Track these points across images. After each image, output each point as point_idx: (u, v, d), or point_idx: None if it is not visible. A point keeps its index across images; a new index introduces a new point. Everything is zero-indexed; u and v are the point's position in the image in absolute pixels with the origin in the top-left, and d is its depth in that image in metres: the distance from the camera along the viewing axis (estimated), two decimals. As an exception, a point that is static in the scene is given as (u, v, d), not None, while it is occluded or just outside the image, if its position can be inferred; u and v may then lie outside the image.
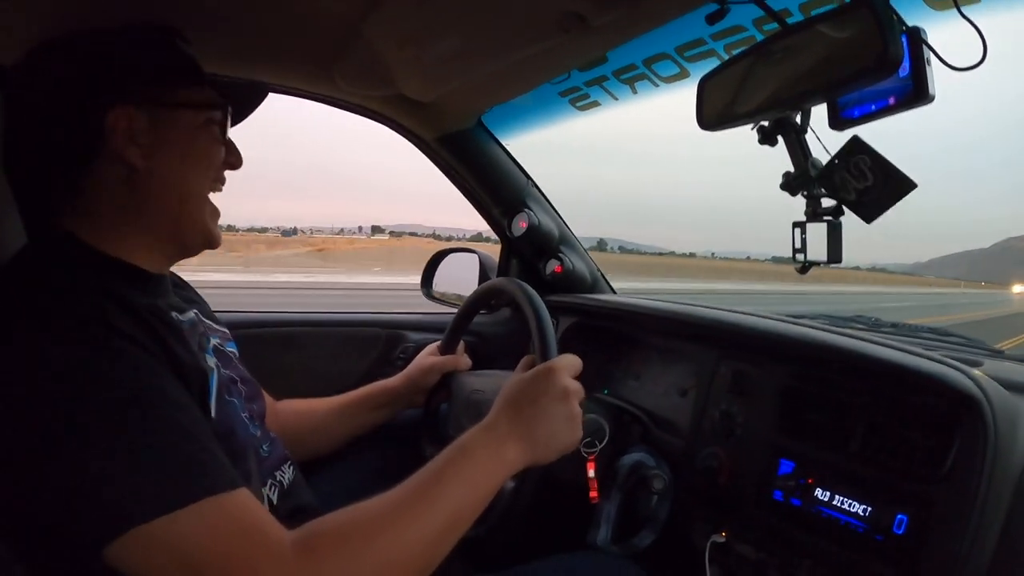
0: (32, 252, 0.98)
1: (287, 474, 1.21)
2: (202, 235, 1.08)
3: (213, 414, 0.99)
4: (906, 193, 1.01)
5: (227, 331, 1.27)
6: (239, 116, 1.22)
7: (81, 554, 0.78)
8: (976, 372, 1.13)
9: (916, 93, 0.92)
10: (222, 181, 1.12)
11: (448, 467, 0.99)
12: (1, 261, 1.01)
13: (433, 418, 1.64)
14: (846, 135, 1.05)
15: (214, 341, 1.16)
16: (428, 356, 1.69)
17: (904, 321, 1.82)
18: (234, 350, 1.25)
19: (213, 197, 1.11)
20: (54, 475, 0.77)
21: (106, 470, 0.76)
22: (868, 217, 1.06)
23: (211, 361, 1.07)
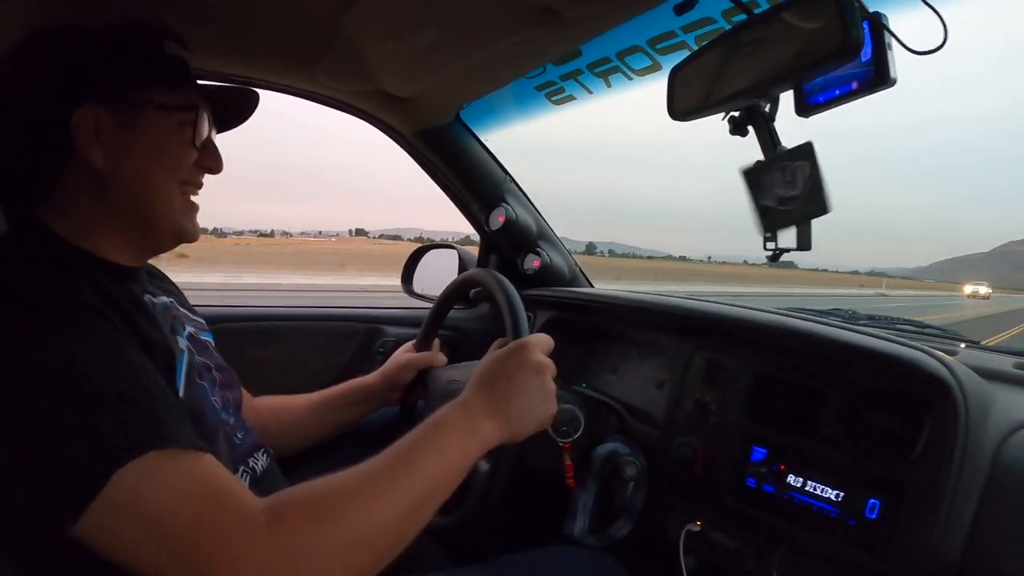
0: (5, 242, 0.98)
1: (260, 461, 1.21)
2: (172, 232, 1.08)
3: (181, 394, 0.99)
4: (818, 215, 1.02)
5: (203, 321, 1.27)
6: (231, 123, 1.22)
7: (53, 532, 0.77)
8: (946, 357, 1.14)
9: (878, 77, 0.94)
10: (196, 184, 1.11)
11: (422, 442, 0.98)
12: None
13: (410, 415, 1.65)
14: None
15: (189, 328, 1.16)
16: (404, 353, 1.70)
17: (882, 315, 1.83)
18: (210, 339, 1.25)
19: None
20: (22, 450, 0.77)
21: (69, 432, 0.77)
22: (772, 228, 1.08)
23: (182, 344, 1.07)
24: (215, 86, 1.12)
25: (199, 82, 1.13)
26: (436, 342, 1.74)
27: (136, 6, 1.15)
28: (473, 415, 1.05)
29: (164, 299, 1.13)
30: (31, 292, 0.84)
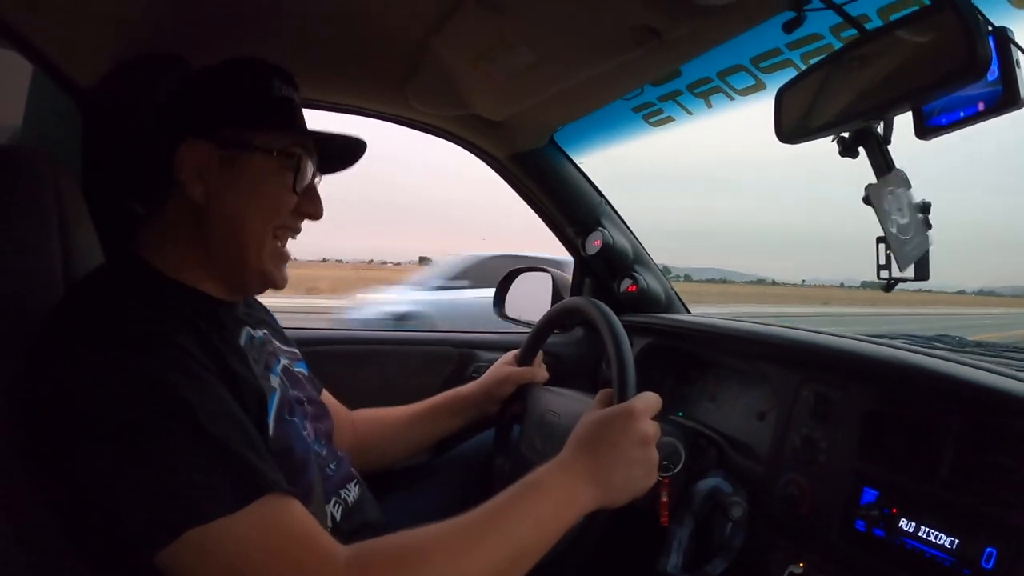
0: (103, 274, 1.00)
1: (352, 492, 1.21)
2: (259, 278, 1.08)
3: (271, 432, 0.99)
4: (919, 255, 1.02)
5: (297, 351, 1.28)
6: (335, 167, 1.22)
7: (131, 557, 0.78)
8: None
9: (1007, 97, 0.87)
10: (293, 229, 1.12)
11: (518, 500, 0.98)
12: (76, 274, 1.03)
13: (505, 442, 1.64)
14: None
15: (283, 362, 1.17)
16: (504, 366, 1.68)
17: (989, 340, 1.73)
18: (303, 370, 1.26)
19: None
20: (111, 480, 0.78)
21: (159, 476, 0.77)
22: (902, 262, 1.04)
23: (275, 381, 1.08)
24: (323, 133, 1.11)
25: (308, 127, 1.13)
26: (539, 356, 1.72)
27: (231, 37, 1.17)
28: (573, 480, 1.03)
29: (260, 333, 1.14)
30: (121, 333, 0.85)
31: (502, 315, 2.34)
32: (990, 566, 1.01)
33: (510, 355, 1.71)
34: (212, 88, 1.05)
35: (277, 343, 1.22)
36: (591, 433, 1.09)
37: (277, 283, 1.10)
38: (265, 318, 1.27)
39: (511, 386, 1.65)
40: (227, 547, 0.77)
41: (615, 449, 1.06)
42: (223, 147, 1.02)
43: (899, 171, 1.02)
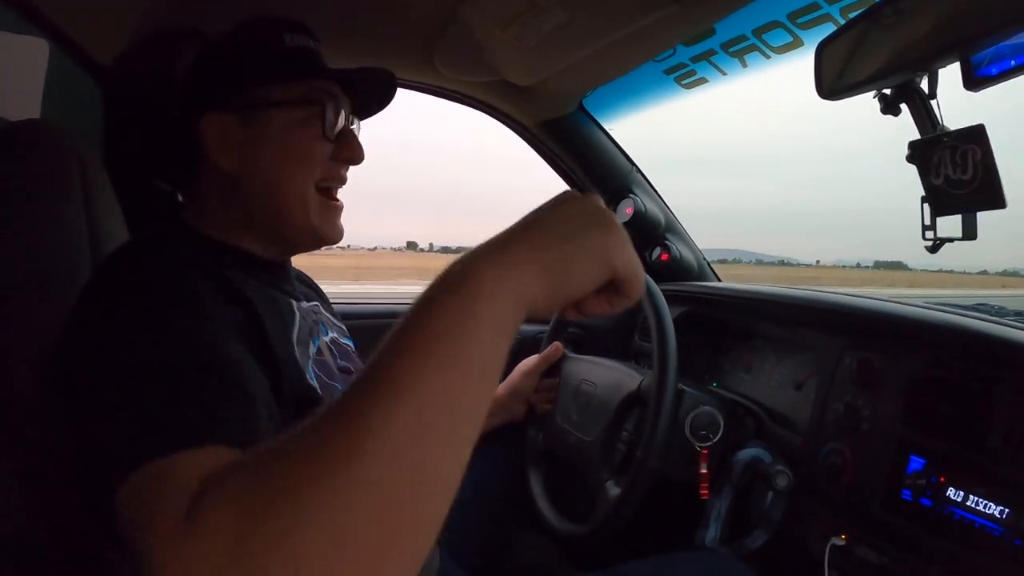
0: (146, 235, 0.97)
1: None
2: (309, 234, 1.04)
3: (314, 382, 0.96)
4: (988, 208, 0.93)
5: (345, 328, 1.25)
6: (372, 108, 1.18)
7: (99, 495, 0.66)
8: None
9: (1061, 43, 0.83)
10: (338, 179, 1.06)
11: (430, 308, 0.56)
12: (103, 254, 1.02)
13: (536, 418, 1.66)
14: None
15: (332, 333, 1.15)
16: (526, 361, 1.69)
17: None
18: (350, 344, 1.24)
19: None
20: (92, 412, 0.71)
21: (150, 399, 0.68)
22: (938, 211, 0.97)
23: (312, 350, 1.04)
24: (343, 70, 1.05)
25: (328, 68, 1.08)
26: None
27: (255, 8, 1.14)
28: (511, 258, 0.62)
29: (308, 304, 1.12)
30: (155, 287, 0.80)
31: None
32: None
33: (531, 358, 1.70)
34: (221, 56, 1.03)
35: (325, 315, 1.19)
36: (540, 210, 0.69)
37: (331, 236, 1.06)
38: (315, 293, 1.26)
39: (534, 377, 1.66)
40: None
41: (569, 225, 0.67)
42: (244, 112, 0.99)
43: (979, 127, 0.97)
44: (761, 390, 1.67)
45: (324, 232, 1.05)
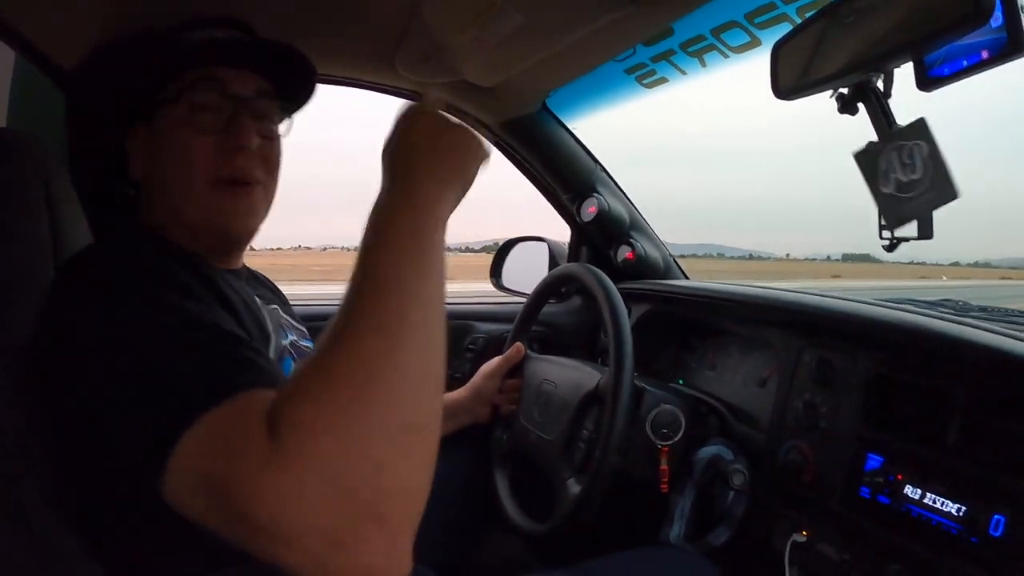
0: (109, 238, 0.95)
1: None
2: (214, 233, 1.00)
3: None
4: (945, 203, 0.92)
5: (304, 329, 1.24)
6: (294, 98, 1.13)
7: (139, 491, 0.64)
8: None
9: (1012, 44, 0.83)
10: (235, 168, 0.98)
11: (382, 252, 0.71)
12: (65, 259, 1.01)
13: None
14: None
15: (292, 336, 1.13)
16: (488, 364, 1.70)
17: (994, 305, 1.70)
18: (309, 345, 1.23)
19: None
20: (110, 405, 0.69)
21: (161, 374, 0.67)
22: (893, 222, 0.98)
23: (285, 342, 1.05)
24: (208, 44, 1.00)
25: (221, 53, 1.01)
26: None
27: (204, 6, 1.14)
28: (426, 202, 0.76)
29: (269, 307, 1.10)
30: (129, 276, 0.78)
31: (498, 286, 2.32)
32: (998, 534, 1.00)
33: (494, 360, 1.71)
34: (130, 70, 0.98)
35: (286, 318, 1.18)
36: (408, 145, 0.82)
37: (232, 227, 1.01)
38: (273, 295, 1.23)
39: (497, 378, 1.67)
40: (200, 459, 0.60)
41: (439, 155, 0.81)
42: (146, 120, 0.98)
43: (920, 120, 0.98)
44: (726, 387, 1.69)
45: (228, 227, 1.01)
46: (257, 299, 1.04)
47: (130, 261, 0.81)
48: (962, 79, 0.93)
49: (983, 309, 1.61)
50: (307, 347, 1.19)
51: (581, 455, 1.39)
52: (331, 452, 0.55)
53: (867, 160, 1.02)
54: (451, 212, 0.80)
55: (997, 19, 0.83)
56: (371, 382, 0.58)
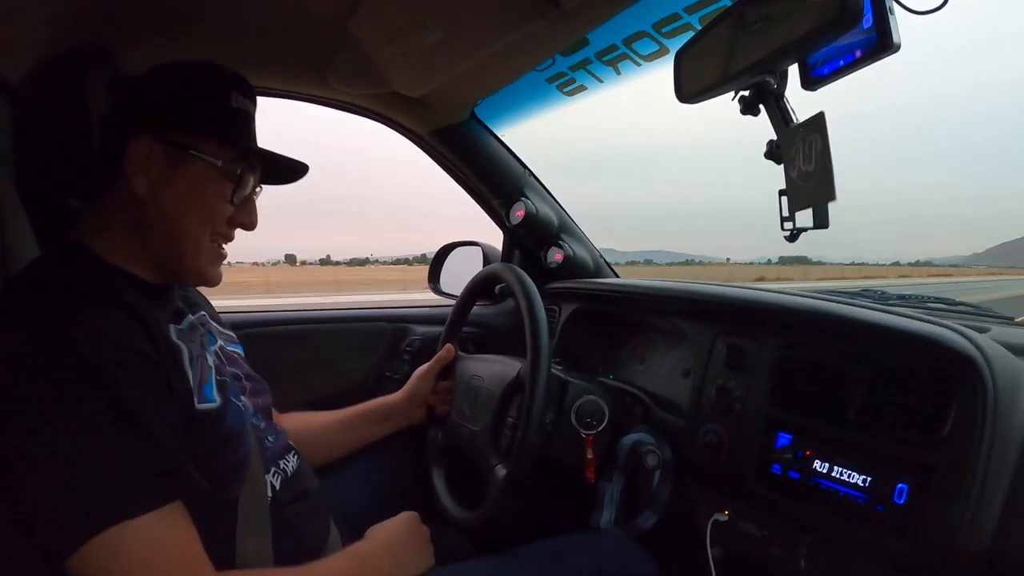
0: (42, 262, 1.01)
1: (291, 463, 1.23)
2: (195, 274, 1.11)
3: (199, 406, 1.00)
4: (824, 202, 0.99)
5: (232, 334, 1.29)
6: (276, 182, 1.25)
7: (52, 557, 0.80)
8: (974, 333, 1.08)
9: (881, 43, 0.90)
10: (227, 236, 1.13)
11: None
12: (13, 270, 1.04)
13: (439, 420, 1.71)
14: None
15: (219, 342, 1.19)
16: (421, 368, 1.75)
17: (914, 294, 1.77)
18: (238, 350, 1.28)
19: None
20: (29, 480, 0.80)
21: (72, 478, 0.80)
22: (795, 206, 1.04)
23: (210, 360, 1.09)
24: (270, 153, 1.14)
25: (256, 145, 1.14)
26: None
27: (153, 19, 1.16)
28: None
29: (192, 317, 1.15)
30: (57, 325, 0.85)
31: (436, 290, 2.37)
32: (902, 501, 1.05)
33: (425, 365, 1.75)
34: (171, 87, 1.06)
35: (213, 324, 1.23)
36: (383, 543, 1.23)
37: (211, 280, 1.13)
38: (199, 301, 1.28)
39: (430, 380, 1.71)
40: (132, 551, 0.81)
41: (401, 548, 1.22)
42: (171, 147, 1.03)
43: (819, 115, 1.03)
44: (653, 379, 1.74)
45: (208, 276, 1.12)
46: (183, 314, 1.13)
47: (63, 344, 0.85)
48: (841, 77, 1.00)
49: (902, 297, 1.69)
50: (234, 351, 1.25)
51: (507, 441, 1.43)
52: None
53: (775, 158, 1.09)
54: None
55: (867, 20, 0.90)
56: None
